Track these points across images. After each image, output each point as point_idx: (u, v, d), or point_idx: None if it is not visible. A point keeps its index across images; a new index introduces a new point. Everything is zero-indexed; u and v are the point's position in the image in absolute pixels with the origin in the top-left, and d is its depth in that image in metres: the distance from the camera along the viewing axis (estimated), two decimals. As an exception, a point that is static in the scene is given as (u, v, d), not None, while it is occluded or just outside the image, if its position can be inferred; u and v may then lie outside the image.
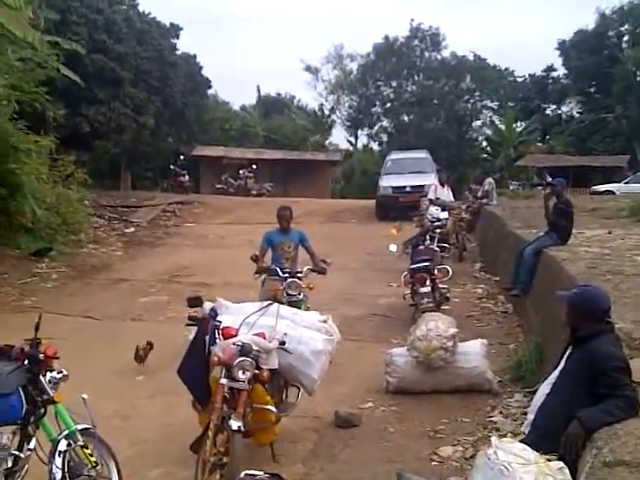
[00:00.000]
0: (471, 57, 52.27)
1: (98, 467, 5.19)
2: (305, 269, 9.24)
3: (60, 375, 5.18)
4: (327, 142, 54.17)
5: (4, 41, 18.38)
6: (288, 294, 8.69)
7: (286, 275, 8.97)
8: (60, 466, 4.98)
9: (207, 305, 6.50)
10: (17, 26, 15.88)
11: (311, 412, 7.30)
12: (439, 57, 52.20)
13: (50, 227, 17.65)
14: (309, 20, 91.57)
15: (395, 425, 7.18)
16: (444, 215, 14.52)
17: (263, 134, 48.31)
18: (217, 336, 6.02)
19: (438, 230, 13.57)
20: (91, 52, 26.99)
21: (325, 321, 6.72)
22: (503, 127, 47.06)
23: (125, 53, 29.77)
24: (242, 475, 4.93)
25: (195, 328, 6.22)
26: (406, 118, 52.38)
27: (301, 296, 8.87)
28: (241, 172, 35.77)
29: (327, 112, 53.85)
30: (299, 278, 8.96)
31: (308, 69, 54.18)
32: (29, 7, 17.32)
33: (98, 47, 28.23)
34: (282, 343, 6.03)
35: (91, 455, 5.17)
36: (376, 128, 54.07)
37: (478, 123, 53.94)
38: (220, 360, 5.71)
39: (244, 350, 5.70)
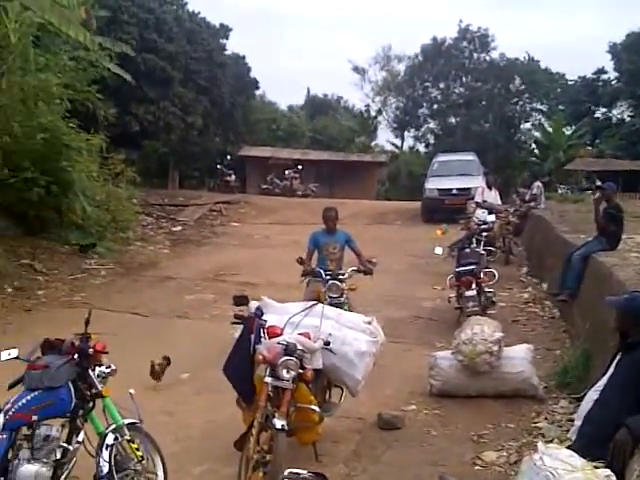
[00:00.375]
0: (522, 58, 51.68)
1: (144, 461, 5.27)
2: (349, 270, 9.23)
3: (108, 370, 5.28)
4: (373, 143, 54.06)
5: (58, 41, 18.80)
6: (330, 297, 8.68)
7: (327, 277, 8.99)
8: (107, 459, 5.07)
9: (253, 304, 6.56)
10: (69, 26, 16.21)
11: (354, 413, 7.31)
12: (488, 58, 51.65)
13: (100, 224, 17.94)
14: (358, 21, 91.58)
15: (438, 428, 7.16)
16: (491, 218, 14.38)
17: (309, 135, 48.42)
18: (262, 335, 6.06)
19: (485, 233, 13.46)
20: (142, 51, 27.37)
21: (370, 322, 6.73)
22: (552, 130, 46.40)
23: (175, 52, 30.10)
24: (286, 473, 4.98)
25: (241, 326, 6.28)
26: (453, 120, 51.96)
27: (342, 298, 8.84)
28: (287, 172, 35.92)
29: (373, 113, 53.75)
30: (340, 280, 8.96)
31: (356, 70, 54.14)
32: (82, 7, 17.66)
33: (149, 46, 28.60)
34: (326, 343, 6.06)
35: (137, 449, 5.25)
36: (423, 130, 53.76)
37: (527, 126, 53.32)
38: (265, 359, 5.75)
39: (289, 349, 5.74)
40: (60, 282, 14.47)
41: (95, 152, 18.90)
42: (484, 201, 16.52)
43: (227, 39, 35.51)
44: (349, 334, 6.42)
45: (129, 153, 25.85)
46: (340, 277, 9.01)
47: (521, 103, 52.48)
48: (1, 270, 13.61)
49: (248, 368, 5.99)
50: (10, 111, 15.70)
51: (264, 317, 6.24)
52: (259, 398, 5.70)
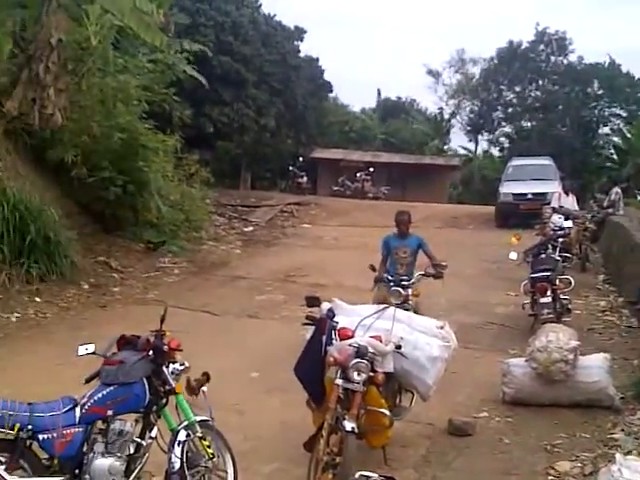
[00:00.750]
0: (603, 61, 50.30)
1: (215, 459, 5.32)
2: (417, 275, 9.13)
3: (182, 367, 5.34)
4: (445, 147, 53.57)
5: (136, 43, 19.22)
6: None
7: (391, 284, 8.91)
8: (179, 455, 5.14)
9: (325, 305, 6.55)
10: (147, 30, 16.54)
11: (424, 418, 7.25)
12: (565, 62, 50.57)
13: (173, 224, 18.24)
14: (432, 24, 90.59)
15: (510, 436, 7.05)
16: (567, 224, 14.05)
17: (381, 137, 48.28)
18: (334, 337, 6.05)
19: (561, 239, 13.15)
20: (218, 54, 27.73)
21: (442, 327, 6.66)
22: (632, 135, 45.05)
23: (250, 55, 30.41)
24: (356, 476, 4.96)
25: (312, 328, 6.28)
26: (529, 124, 51.03)
27: (407, 305, 8.66)
28: (358, 175, 35.88)
29: (447, 116, 53.27)
30: (403, 286, 8.84)
31: (430, 73, 53.69)
32: (160, 11, 18.00)
33: (225, 49, 28.97)
34: (398, 347, 6.01)
35: (209, 447, 5.30)
36: (497, 133, 52.96)
37: (605, 130, 51.86)
38: (336, 361, 5.74)
39: (360, 352, 5.71)
40: (134, 280, 14.76)
41: (170, 153, 19.23)
42: (560, 206, 16.15)
43: (301, 41, 35.72)
44: (421, 338, 6.36)
45: (203, 154, 26.23)
46: (403, 283, 8.88)
47: (599, 107, 51.12)
48: (78, 267, 13.93)
49: (319, 369, 5.99)
50: (90, 112, 16.09)
51: (335, 319, 6.22)
52: (329, 400, 5.69)
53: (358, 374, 5.66)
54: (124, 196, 15.94)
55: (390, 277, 9.02)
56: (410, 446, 6.73)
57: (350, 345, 5.81)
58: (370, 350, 5.77)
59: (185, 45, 21.13)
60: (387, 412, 5.92)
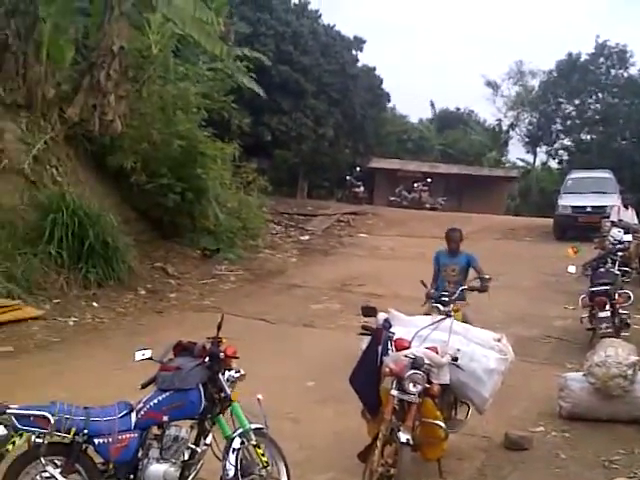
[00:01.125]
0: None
1: (269, 467, 5.28)
2: (459, 289, 8.86)
3: (238, 374, 5.32)
4: (503, 158, 52.94)
5: (196, 51, 19.48)
6: None
7: (432, 300, 8.78)
8: (233, 463, 5.11)
9: (381, 315, 6.48)
10: (207, 39, 16.80)
11: (480, 431, 7.13)
12: (625, 75, 49.55)
13: (231, 231, 18.34)
14: (491, 36, 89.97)
15: (567, 451, 6.89)
16: (627, 238, 13.73)
17: (439, 148, 47.99)
18: (390, 347, 5.98)
19: (620, 253, 12.83)
20: (277, 63, 27.92)
21: (499, 340, 6.52)
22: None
23: (309, 65, 30.51)
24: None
25: (368, 337, 6.21)
26: (588, 137, 50.10)
27: None
28: (416, 185, 35.71)
29: (505, 128, 52.62)
30: (444, 303, 8.55)
31: (488, 84, 53.15)
32: (221, 20, 18.23)
33: (284, 59, 29.13)
34: (454, 359, 5.91)
35: (263, 455, 5.27)
36: (555, 146, 52.11)
37: (668, 144, 50.51)
38: (392, 371, 5.66)
39: (416, 363, 5.63)
40: (191, 286, 14.88)
41: (228, 160, 19.39)
42: (620, 220, 15.76)
43: (360, 51, 35.68)
44: (478, 350, 6.24)
45: (261, 162, 26.41)
46: (444, 299, 8.61)
47: (661, 121, 49.85)
48: (136, 272, 14.11)
49: (374, 380, 5.91)
50: (149, 119, 16.33)
51: (392, 329, 6.15)
52: (385, 411, 5.62)
53: (414, 385, 5.57)
54: (182, 203, 16.09)
55: (436, 294, 8.86)
56: (465, 459, 6.62)
57: (406, 356, 5.73)
58: (426, 361, 5.69)
59: (245, 52, 21.33)
60: (442, 424, 5.82)
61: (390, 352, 5.95)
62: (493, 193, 38.82)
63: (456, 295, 8.66)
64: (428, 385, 5.67)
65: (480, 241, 21.66)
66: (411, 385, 5.57)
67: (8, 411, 4.75)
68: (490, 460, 6.67)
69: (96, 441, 4.88)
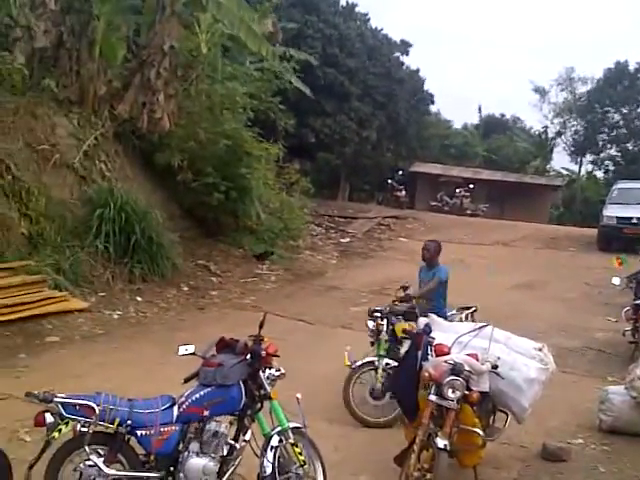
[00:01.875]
0: None
1: (305, 466, 5.33)
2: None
3: (278, 373, 5.38)
4: (547, 166, 52.28)
5: (245, 52, 19.67)
6: None
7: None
8: (271, 460, 5.17)
9: (421, 320, 6.50)
10: (254, 39, 16.94)
11: (517, 440, 7.09)
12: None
13: (272, 231, 18.47)
14: (540, 42, 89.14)
15: (606, 465, 6.81)
16: (674, 250, 13.51)
17: (483, 154, 47.63)
18: (430, 352, 5.99)
19: (666, 266, 12.63)
20: (323, 65, 28.04)
21: (540, 349, 6.48)
22: None
23: (355, 68, 30.57)
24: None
25: (408, 342, 6.23)
26: (635, 147, 49.24)
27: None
28: (458, 191, 35.53)
29: (551, 135, 51.98)
30: (374, 319, 7.97)
31: (536, 90, 52.51)
32: (269, 21, 18.38)
33: (331, 61, 29.23)
34: (494, 367, 5.89)
35: (300, 454, 5.32)
36: (602, 155, 51.31)
37: None
38: (431, 376, 5.67)
39: (456, 369, 5.63)
40: (232, 284, 15.02)
41: (272, 161, 19.51)
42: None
43: (406, 55, 35.68)
44: (519, 359, 6.22)
45: (303, 164, 26.57)
46: (375, 315, 8.00)
47: None
48: (179, 269, 14.30)
49: (413, 384, 5.93)
50: (197, 117, 16.52)
51: (432, 334, 6.16)
52: (422, 415, 5.64)
53: (453, 391, 5.58)
54: (226, 202, 16.23)
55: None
56: (502, 468, 6.58)
57: (446, 362, 5.73)
58: (466, 368, 5.68)
59: (292, 53, 21.46)
60: (480, 432, 5.79)
61: (430, 357, 5.97)
62: (536, 202, 38.37)
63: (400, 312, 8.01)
64: (467, 392, 5.67)
65: (521, 249, 21.56)
66: (450, 391, 5.57)
67: (55, 399, 4.87)
68: (527, 470, 6.63)
69: (139, 432, 4.98)
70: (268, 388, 5.28)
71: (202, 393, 5.15)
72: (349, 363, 7.20)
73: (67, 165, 13.52)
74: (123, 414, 4.95)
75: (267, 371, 5.34)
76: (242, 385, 5.20)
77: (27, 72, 13.49)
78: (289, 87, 21.31)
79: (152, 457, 5.03)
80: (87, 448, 4.87)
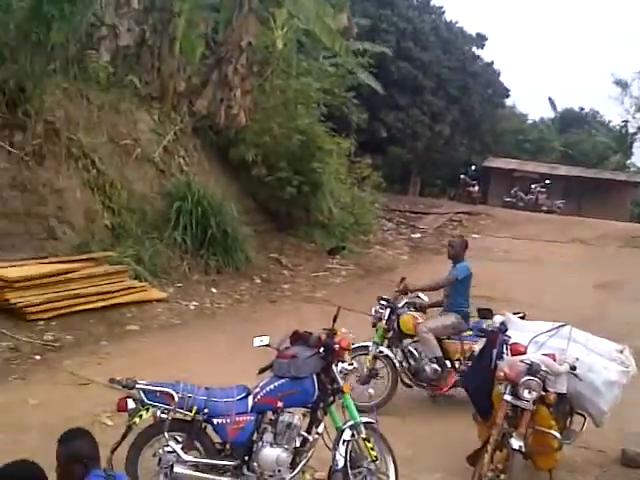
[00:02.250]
0: None
1: (377, 462, 5.36)
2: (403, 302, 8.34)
3: (351, 367, 5.44)
4: (627, 162, 50.75)
5: (319, 47, 19.76)
6: None
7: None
8: (343, 454, 5.23)
9: (497, 318, 6.43)
10: (329, 35, 17.02)
11: (595, 445, 6.94)
12: None
13: (343, 226, 18.53)
14: (623, 33, 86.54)
15: (689, 473, 6.59)
16: None
17: (560, 149, 46.54)
18: (505, 351, 5.93)
19: None
20: (397, 59, 27.93)
21: (621, 351, 6.34)
22: None
23: (429, 61, 30.37)
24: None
25: (483, 340, 6.19)
26: None
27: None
28: (533, 186, 34.87)
29: (632, 130, 50.42)
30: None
31: (618, 83, 50.98)
32: (343, 16, 18.42)
33: (404, 55, 29.10)
34: (573, 368, 5.78)
35: (372, 449, 5.35)
36: (686, 151, 49.54)
37: None
38: (506, 376, 5.61)
39: (532, 369, 5.56)
40: (303, 278, 15.15)
41: (344, 155, 19.55)
42: None
43: (482, 48, 35.23)
44: (598, 361, 6.09)
45: (374, 158, 26.48)
46: (382, 304, 8.24)
47: None
48: (252, 262, 14.50)
49: (487, 383, 5.88)
50: (272, 113, 16.69)
51: (507, 333, 6.10)
52: (497, 415, 5.59)
53: (529, 392, 5.51)
54: (298, 196, 16.38)
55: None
56: (578, 472, 6.46)
57: (522, 361, 5.66)
58: (543, 368, 5.60)
59: (366, 46, 21.44)
60: (557, 434, 5.71)
61: (505, 356, 5.91)
62: (615, 198, 37.31)
63: (400, 305, 8.20)
64: (544, 393, 5.59)
65: (599, 248, 21.01)
66: (526, 392, 5.51)
67: (137, 386, 5.04)
68: (604, 476, 6.50)
69: (215, 421, 5.11)
70: (341, 382, 5.34)
71: (276, 384, 5.24)
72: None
73: (148, 159, 13.92)
74: (200, 402, 5.09)
75: (340, 365, 5.39)
76: (315, 378, 5.26)
77: (111, 69, 13.90)
78: (362, 82, 21.31)
79: (227, 445, 5.14)
80: (166, 434, 5.03)
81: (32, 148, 11.37)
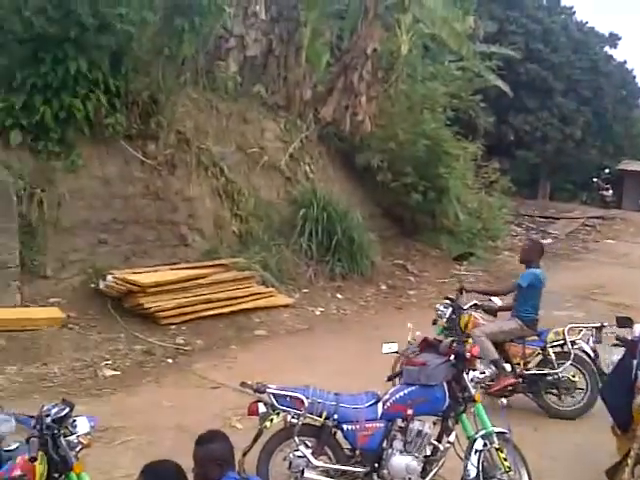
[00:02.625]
0: None
1: (511, 473, 5.24)
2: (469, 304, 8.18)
3: (482, 376, 5.34)
4: None
5: (444, 51, 19.58)
6: None
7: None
8: (475, 464, 5.14)
9: (637, 327, 6.14)
10: (455, 38, 16.85)
11: None
12: None
13: (470, 232, 18.19)
14: None
15: None
16: None
17: None
18: (646, 361, 5.65)
19: None
20: (525, 61, 27.31)
21: None
22: None
23: (559, 63, 29.53)
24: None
25: (622, 349, 5.92)
26: None
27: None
28: (672, 190, 33.18)
29: None
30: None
31: None
32: (470, 19, 18.18)
33: (533, 56, 28.45)
34: None
35: (505, 459, 5.23)
36: None
37: None
38: (647, 387, 5.35)
39: (676, 380, 5.27)
40: (429, 284, 14.98)
41: (470, 160, 19.25)
42: None
43: (615, 48, 33.88)
44: None
45: (502, 162, 25.90)
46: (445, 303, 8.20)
47: None
48: (377, 268, 14.49)
49: (627, 395, 5.61)
50: (397, 118, 16.63)
51: (650, 343, 5.80)
52: (637, 427, 5.32)
53: (672, 404, 5.23)
54: (424, 202, 16.21)
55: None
56: None
57: (668, 373, 5.38)
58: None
59: (493, 49, 21.08)
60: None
61: (646, 367, 5.63)
62: None
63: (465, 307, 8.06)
64: (691, 406, 5.29)
65: None
66: (669, 404, 5.23)
67: (268, 390, 5.13)
68: None
69: (344, 427, 5.12)
70: (472, 390, 5.25)
71: (406, 392, 5.21)
72: (409, 339, 7.13)
73: (274, 167, 14.21)
74: (330, 408, 5.11)
75: (471, 373, 5.31)
76: (446, 386, 5.20)
77: (239, 79, 14.27)
78: (489, 85, 20.93)
79: (357, 452, 5.15)
80: (296, 439, 5.08)
81: (164, 158, 11.86)
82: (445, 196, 16.97)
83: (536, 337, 7.82)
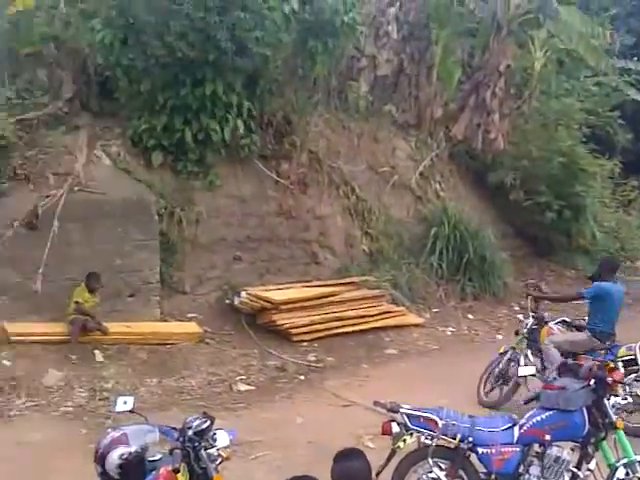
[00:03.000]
0: None
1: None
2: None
3: (625, 402, 5.18)
4: None
5: (580, 67, 19.02)
6: None
7: None
8: (616, 493, 4.95)
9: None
10: (592, 53, 16.34)
11: None
12: None
13: (608, 251, 17.46)
14: None
15: None
16: None
17: None
18: None
19: None
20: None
21: None
22: None
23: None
24: None
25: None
26: None
27: None
28: None
29: None
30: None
31: None
32: (606, 33, 17.59)
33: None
34: None
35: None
36: None
37: None
38: None
39: None
40: (566, 305, 14.43)
41: (607, 178, 18.58)
42: None
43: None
44: None
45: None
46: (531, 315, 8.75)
47: None
48: (510, 288, 14.14)
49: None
50: (530, 135, 16.27)
51: None
52: None
53: None
54: (559, 221, 15.71)
55: None
56: None
57: None
58: None
59: (630, 65, 20.30)
60: None
61: None
62: None
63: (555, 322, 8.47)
64: None
65: None
66: None
67: (401, 410, 5.13)
68: None
69: (479, 450, 5.04)
70: (613, 417, 5.07)
71: (543, 416, 5.09)
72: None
73: (404, 185, 14.23)
74: (464, 430, 5.05)
75: (612, 399, 5.12)
76: (585, 411, 5.04)
77: (370, 99, 14.40)
78: (627, 99, 20.12)
79: (493, 476, 5.06)
80: (430, 461, 5.05)
81: (297, 177, 12.10)
82: (581, 215, 16.40)
83: (607, 351, 7.66)
